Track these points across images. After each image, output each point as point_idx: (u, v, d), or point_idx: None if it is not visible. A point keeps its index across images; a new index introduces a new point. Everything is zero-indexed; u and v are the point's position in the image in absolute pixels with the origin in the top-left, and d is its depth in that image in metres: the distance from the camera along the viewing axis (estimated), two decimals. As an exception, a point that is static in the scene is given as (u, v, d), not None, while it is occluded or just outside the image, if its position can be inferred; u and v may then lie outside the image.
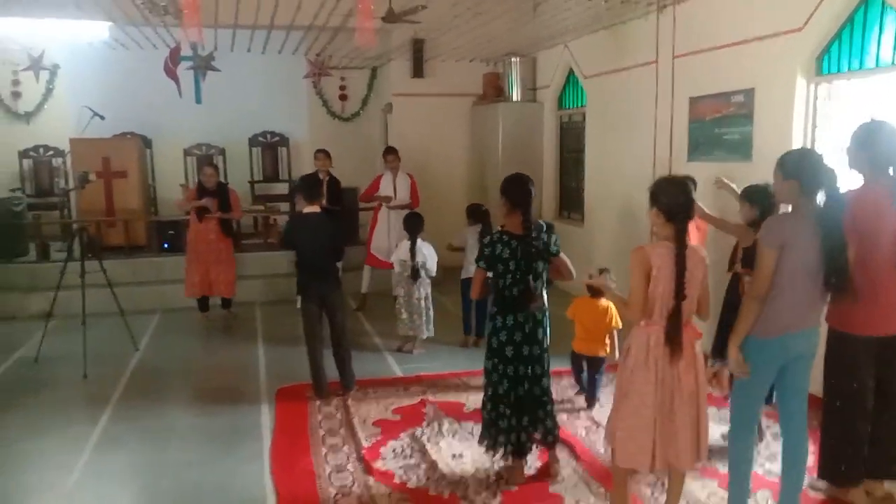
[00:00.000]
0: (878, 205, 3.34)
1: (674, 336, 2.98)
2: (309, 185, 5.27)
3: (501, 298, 3.74)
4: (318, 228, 5.05)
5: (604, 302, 4.79)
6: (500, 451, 3.84)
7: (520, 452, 3.83)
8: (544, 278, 3.77)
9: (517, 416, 3.77)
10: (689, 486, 3.56)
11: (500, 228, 3.79)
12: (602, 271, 4.42)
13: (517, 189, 3.72)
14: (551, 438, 3.90)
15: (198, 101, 10.41)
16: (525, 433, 3.80)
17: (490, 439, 3.85)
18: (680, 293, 2.93)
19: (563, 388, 5.21)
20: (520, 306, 3.70)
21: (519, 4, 6.66)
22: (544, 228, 3.78)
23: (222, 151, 10.56)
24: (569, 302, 5.02)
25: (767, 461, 4.00)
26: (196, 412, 4.95)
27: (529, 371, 3.76)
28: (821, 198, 3.06)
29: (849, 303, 3.37)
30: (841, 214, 3.05)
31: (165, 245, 8.47)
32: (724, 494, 3.60)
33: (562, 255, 3.83)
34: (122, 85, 10.01)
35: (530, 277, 3.66)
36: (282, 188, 10.68)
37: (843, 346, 3.47)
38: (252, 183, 10.58)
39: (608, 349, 4.84)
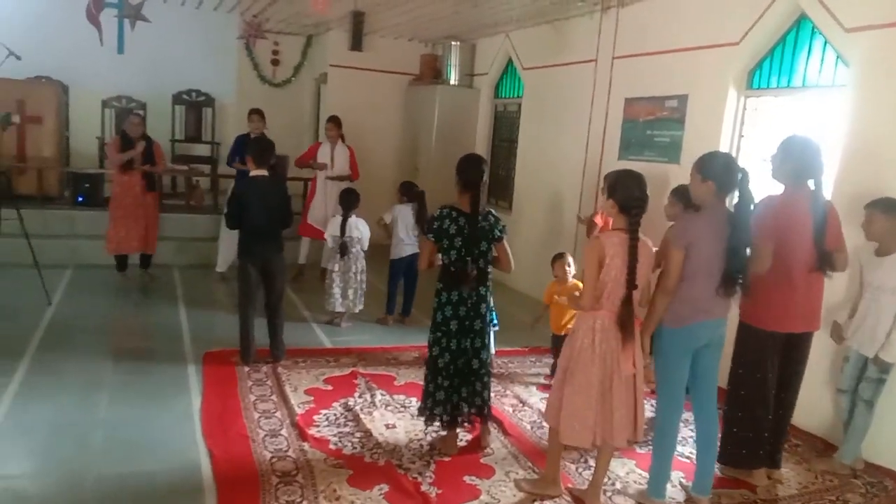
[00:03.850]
0: (797, 212, 3.63)
1: (626, 322, 3.16)
2: (261, 149, 5.05)
3: (447, 274, 3.84)
4: (269, 192, 4.97)
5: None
6: (436, 422, 3.96)
7: (453, 422, 3.95)
8: (488, 258, 3.87)
9: (454, 387, 3.89)
10: (609, 465, 3.75)
11: (449, 205, 3.86)
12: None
13: (472, 171, 3.81)
14: (486, 410, 4.03)
15: (120, 50, 9.96)
16: (461, 404, 3.91)
17: (427, 410, 3.96)
18: (632, 282, 3.10)
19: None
20: (462, 282, 3.80)
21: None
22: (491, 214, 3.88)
23: (143, 106, 10.04)
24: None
25: (680, 445, 4.26)
26: (121, 370, 4.80)
27: (470, 344, 3.88)
28: (732, 199, 3.29)
29: (762, 300, 3.66)
30: (749, 216, 3.28)
31: (80, 198, 8.08)
32: (642, 473, 3.87)
33: (504, 242, 3.89)
34: (39, 26, 9.37)
35: (470, 256, 3.75)
36: (204, 149, 10.32)
37: (753, 339, 3.75)
38: (173, 142, 10.16)
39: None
